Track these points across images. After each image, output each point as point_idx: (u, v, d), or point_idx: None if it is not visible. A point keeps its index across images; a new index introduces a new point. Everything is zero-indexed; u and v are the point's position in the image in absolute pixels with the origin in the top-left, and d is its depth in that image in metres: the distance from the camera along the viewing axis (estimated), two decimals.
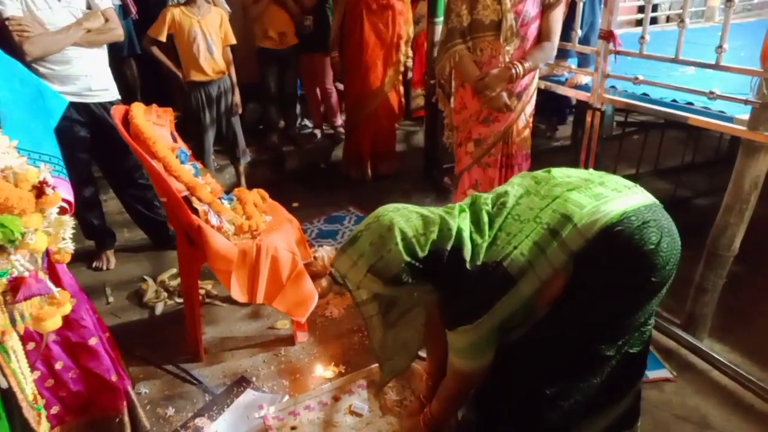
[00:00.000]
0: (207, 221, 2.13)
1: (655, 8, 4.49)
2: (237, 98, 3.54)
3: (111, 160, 2.86)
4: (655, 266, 1.27)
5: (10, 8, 2.35)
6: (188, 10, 3.22)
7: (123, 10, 3.68)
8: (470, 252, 1.33)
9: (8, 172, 1.13)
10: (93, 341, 1.63)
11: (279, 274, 2.19)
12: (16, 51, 2.30)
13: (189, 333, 2.34)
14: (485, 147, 2.67)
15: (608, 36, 2.42)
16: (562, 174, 1.44)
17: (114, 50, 3.44)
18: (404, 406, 1.98)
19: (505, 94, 2.50)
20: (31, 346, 1.37)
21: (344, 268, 1.42)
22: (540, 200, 1.36)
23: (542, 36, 2.50)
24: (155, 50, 3.29)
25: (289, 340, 2.42)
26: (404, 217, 1.38)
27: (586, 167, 2.55)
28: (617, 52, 2.44)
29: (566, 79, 3.15)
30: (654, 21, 4.56)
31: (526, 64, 2.43)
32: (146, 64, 3.88)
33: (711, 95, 2.07)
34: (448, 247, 1.34)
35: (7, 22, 2.34)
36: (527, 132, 2.70)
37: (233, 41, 3.41)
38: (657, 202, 1.36)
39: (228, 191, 2.48)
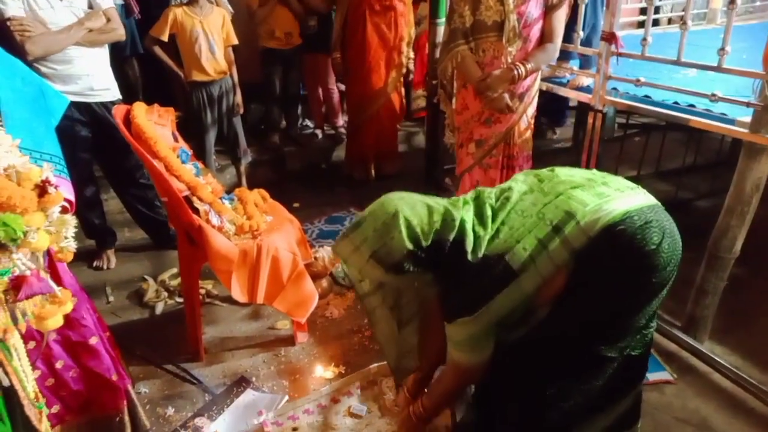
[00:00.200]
0: (208, 221, 2.12)
1: (657, 10, 4.48)
2: (238, 98, 3.54)
3: (112, 160, 2.87)
4: (656, 267, 1.27)
5: (11, 8, 2.35)
6: (190, 10, 3.22)
7: (125, 10, 3.69)
8: (472, 244, 1.33)
9: (11, 170, 1.13)
10: (93, 340, 1.64)
11: (279, 275, 2.19)
12: (17, 50, 2.31)
13: (189, 333, 2.34)
14: (486, 148, 2.67)
15: (610, 38, 2.42)
16: (565, 173, 1.44)
17: (116, 50, 3.45)
18: None
19: (506, 95, 2.50)
20: (31, 345, 1.37)
21: (346, 253, 1.40)
22: (543, 197, 1.36)
23: (545, 37, 2.50)
24: (157, 50, 3.30)
25: (289, 341, 2.42)
26: (409, 205, 1.37)
27: (587, 169, 2.55)
28: (619, 54, 2.44)
29: (568, 81, 3.15)
30: (656, 23, 4.56)
31: (529, 66, 2.43)
32: (148, 63, 3.89)
33: (713, 97, 2.07)
34: (451, 238, 1.34)
35: (8, 22, 2.34)
36: (529, 133, 2.70)
37: (235, 41, 3.42)
38: (659, 203, 1.36)
39: (229, 191, 2.48)
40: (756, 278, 2.70)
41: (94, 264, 3.01)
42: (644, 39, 2.28)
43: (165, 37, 3.23)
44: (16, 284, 1.08)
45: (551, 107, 4.40)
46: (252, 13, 3.95)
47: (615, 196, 1.32)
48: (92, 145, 2.74)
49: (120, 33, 2.72)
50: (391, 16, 3.70)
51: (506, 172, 2.70)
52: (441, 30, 3.29)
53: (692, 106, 2.35)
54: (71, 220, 1.23)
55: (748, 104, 1.95)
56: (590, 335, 1.36)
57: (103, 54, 2.73)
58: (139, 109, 2.21)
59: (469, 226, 1.35)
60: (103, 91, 2.70)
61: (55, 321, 1.18)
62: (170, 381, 2.21)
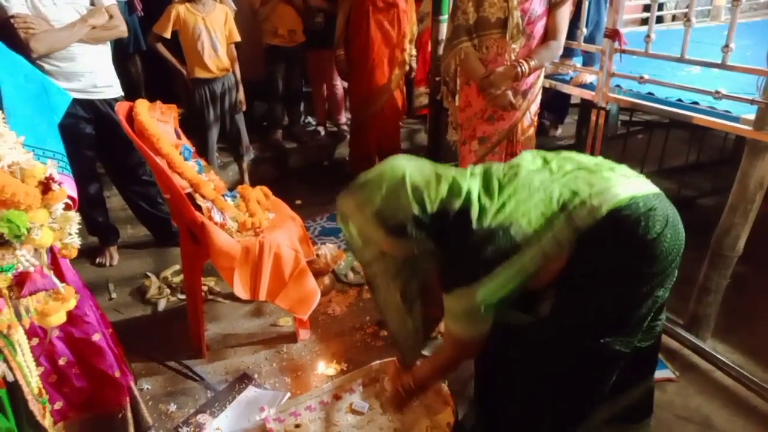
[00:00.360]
0: (210, 218, 2.13)
1: (660, 7, 4.47)
2: (241, 95, 3.54)
3: (115, 157, 2.87)
4: (657, 256, 1.26)
5: (15, 5, 2.35)
6: (193, 7, 3.22)
7: (128, 7, 3.69)
8: (477, 213, 1.31)
9: (15, 167, 1.13)
10: (96, 337, 1.64)
11: (282, 272, 2.19)
12: (21, 48, 2.31)
13: (191, 329, 2.34)
14: (489, 145, 2.66)
15: (613, 35, 2.41)
16: (573, 156, 1.43)
17: (119, 47, 3.45)
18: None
19: (510, 93, 2.49)
20: (34, 341, 1.37)
21: (349, 210, 1.37)
22: (551, 175, 1.35)
23: (548, 34, 2.49)
24: (160, 47, 3.30)
25: (291, 338, 2.42)
26: (417, 169, 1.35)
27: None
28: (622, 51, 2.43)
29: (571, 78, 3.14)
30: (660, 20, 4.54)
31: (532, 63, 2.42)
32: (151, 60, 3.89)
33: (716, 95, 2.06)
34: (456, 207, 1.32)
35: (12, 20, 2.34)
36: (532, 131, 2.69)
37: (237, 38, 3.41)
38: (662, 193, 1.35)
39: (231, 188, 2.48)
40: (759, 277, 2.69)
41: (97, 261, 3.02)
42: (648, 36, 2.28)
43: (168, 34, 3.23)
44: (20, 280, 1.08)
45: (554, 104, 4.39)
46: (254, 11, 3.94)
47: (621, 181, 1.32)
48: (95, 143, 2.74)
49: (122, 30, 2.72)
50: (394, 13, 3.70)
51: None
52: (443, 27, 3.28)
53: (696, 103, 2.35)
54: (75, 217, 1.23)
55: (752, 101, 1.94)
56: (594, 330, 1.34)
57: (106, 51, 2.73)
58: (142, 106, 2.21)
59: (475, 196, 1.33)
60: (106, 88, 2.70)
61: (58, 317, 1.19)
62: (172, 378, 2.22)
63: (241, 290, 2.12)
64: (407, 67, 3.94)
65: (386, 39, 3.74)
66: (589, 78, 3.00)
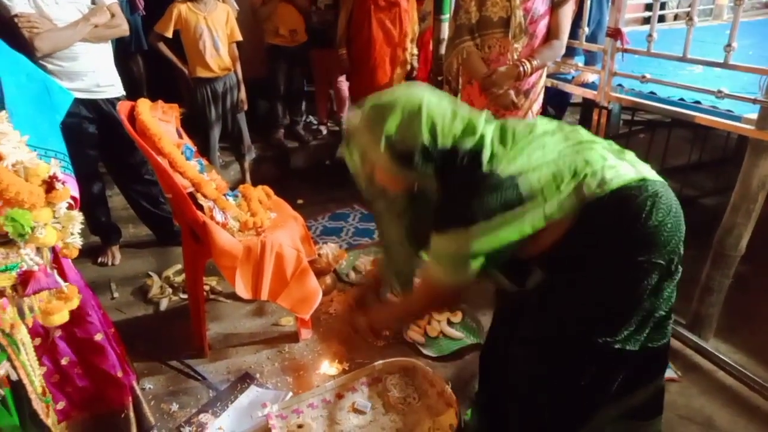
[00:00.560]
0: (212, 218, 2.13)
1: (663, 6, 4.46)
2: (243, 95, 3.55)
3: (117, 156, 2.87)
4: (655, 244, 1.25)
5: (18, 4, 2.35)
6: (195, 6, 3.22)
7: (130, 6, 3.69)
8: (488, 157, 1.27)
9: (19, 166, 1.13)
10: (99, 337, 1.64)
11: (283, 271, 2.19)
12: (24, 47, 2.31)
13: (193, 329, 2.34)
14: None
15: (616, 34, 2.41)
16: (585, 131, 1.41)
17: (121, 46, 3.45)
18: (407, 404, 1.98)
19: (512, 92, 2.49)
20: (37, 341, 1.37)
21: (358, 127, 1.32)
22: (565, 141, 1.33)
23: (551, 34, 2.48)
24: (161, 46, 3.30)
25: (293, 337, 2.42)
26: (435, 99, 1.31)
27: None
28: (625, 50, 2.43)
29: (573, 77, 3.14)
30: (662, 19, 4.54)
31: (534, 62, 2.42)
32: (152, 60, 3.89)
33: (719, 94, 2.06)
34: (468, 147, 1.28)
35: (16, 19, 2.35)
36: None
37: (239, 38, 3.41)
38: (668, 185, 1.35)
39: (233, 188, 2.48)
40: (761, 276, 2.69)
41: (99, 260, 3.02)
42: (650, 35, 2.27)
43: (169, 34, 3.24)
44: (24, 279, 1.08)
45: (557, 100, 4.37)
46: (254, 11, 3.94)
47: (634, 163, 1.31)
48: (98, 142, 2.75)
49: (124, 28, 2.73)
50: (395, 12, 3.70)
51: None
52: (445, 26, 3.28)
53: (698, 102, 2.34)
54: (78, 216, 1.23)
55: (754, 101, 1.93)
56: (593, 325, 1.32)
57: (108, 50, 2.74)
58: (144, 105, 2.22)
59: (488, 141, 1.29)
60: (108, 87, 2.70)
61: (62, 316, 1.19)
62: (174, 377, 2.22)
63: (242, 290, 2.12)
64: (409, 67, 3.94)
65: (388, 38, 3.74)
66: (591, 77, 2.99)
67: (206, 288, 2.69)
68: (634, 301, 1.30)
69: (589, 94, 2.80)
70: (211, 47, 3.27)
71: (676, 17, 4.74)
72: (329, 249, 2.72)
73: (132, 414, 1.79)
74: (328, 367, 2.25)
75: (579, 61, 3.20)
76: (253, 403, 2.07)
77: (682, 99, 2.41)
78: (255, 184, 2.59)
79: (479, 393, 1.78)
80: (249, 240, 2.14)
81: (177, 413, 2.04)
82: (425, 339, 2.37)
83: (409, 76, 4.09)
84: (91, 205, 2.82)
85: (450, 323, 2.46)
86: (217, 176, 2.39)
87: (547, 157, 1.27)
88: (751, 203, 2.06)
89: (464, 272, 1.31)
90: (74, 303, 1.22)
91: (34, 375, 1.23)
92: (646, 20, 3.84)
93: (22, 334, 1.18)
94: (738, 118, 2.11)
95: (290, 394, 2.10)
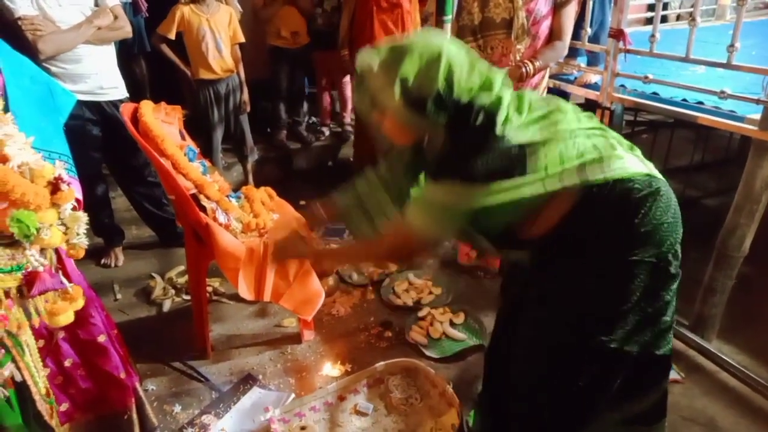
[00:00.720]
0: (215, 219, 2.13)
1: (665, 6, 4.45)
2: (245, 96, 3.55)
3: (120, 158, 2.88)
4: (650, 241, 1.24)
5: (21, 7, 2.36)
6: (197, 8, 3.23)
7: (133, 8, 3.70)
8: (503, 119, 1.24)
9: (24, 168, 1.14)
10: (102, 338, 1.64)
11: (286, 272, 2.19)
12: (28, 50, 2.32)
13: (196, 330, 2.35)
14: None
15: (618, 34, 2.41)
16: (598, 121, 1.40)
17: (123, 48, 3.46)
18: (410, 405, 1.98)
19: None
20: (40, 343, 1.38)
21: (372, 67, 1.26)
22: (578, 122, 1.31)
23: (553, 35, 2.48)
24: (164, 48, 3.31)
25: (296, 338, 2.43)
26: (455, 49, 1.27)
27: None
28: (627, 51, 2.43)
29: (575, 78, 3.13)
30: (664, 19, 4.53)
31: (537, 63, 2.42)
32: (155, 61, 3.90)
33: (722, 95, 2.06)
34: (484, 103, 1.24)
35: (19, 22, 2.35)
36: None
37: (242, 39, 3.42)
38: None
39: (236, 189, 2.49)
40: (765, 277, 2.68)
41: (102, 262, 3.03)
42: (652, 36, 2.27)
43: (172, 35, 3.24)
44: (30, 280, 1.09)
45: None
46: (255, 12, 3.95)
47: (642, 159, 1.31)
48: (101, 144, 2.75)
49: (127, 30, 2.73)
50: (398, 13, 3.70)
51: None
52: (448, 27, 3.27)
53: (701, 103, 2.34)
54: (83, 217, 1.24)
55: (757, 101, 1.93)
56: (587, 322, 1.31)
57: (111, 52, 2.74)
58: (147, 107, 2.22)
59: (505, 102, 1.26)
60: (111, 89, 2.71)
61: (67, 317, 1.19)
62: (177, 378, 2.22)
63: (245, 291, 2.12)
64: None
65: (390, 39, 3.74)
66: (594, 78, 2.99)
67: (209, 289, 2.69)
68: (625, 298, 1.28)
69: (592, 94, 2.80)
70: (213, 49, 3.28)
71: (678, 17, 4.73)
72: None
73: (135, 415, 1.79)
74: (331, 369, 2.25)
75: (581, 61, 3.20)
76: (256, 405, 2.07)
77: (684, 99, 2.41)
78: (258, 185, 2.59)
79: (482, 393, 1.78)
80: (252, 241, 2.14)
81: (180, 414, 2.04)
82: (428, 340, 2.37)
83: None
84: (94, 206, 2.82)
85: (452, 324, 2.47)
86: (220, 178, 2.39)
87: (557, 134, 1.25)
88: (755, 204, 2.05)
89: (446, 226, 1.28)
90: (79, 303, 1.23)
91: (38, 376, 1.24)
92: (649, 21, 3.83)
93: (27, 336, 1.18)
94: (741, 119, 2.11)
95: (292, 395, 2.11)
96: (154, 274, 2.89)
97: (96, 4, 2.59)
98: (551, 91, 2.92)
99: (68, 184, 1.20)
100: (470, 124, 1.23)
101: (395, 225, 1.43)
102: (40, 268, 1.10)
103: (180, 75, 3.44)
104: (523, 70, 2.41)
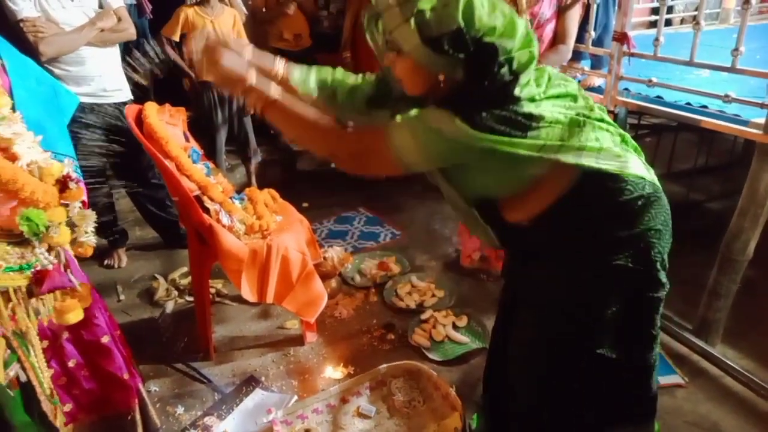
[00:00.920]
0: (218, 220, 2.13)
1: (669, 10, 4.44)
2: None
3: (124, 160, 2.88)
4: (636, 246, 1.23)
5: (25, 9, 2.37)
6: (202, 10, 3.24)
7: (138, 10, 3.71)
8: (525, 81, 1.19)
9: (33, 166, 1.15)
10: (105, 339, 1.65)
11: (289, 274, 2.20)
12: (31, 52, 2.32)
13: (199, 331, 2.35)
14: None
15: (622, 38, 2.41)
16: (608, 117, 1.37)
17: (128, 49, 3.47)
18: (412, 407, 1.98)
19: None
20: (45, 344, 1.38)
21: (389, 2, 1.18)
22: (589, 111, 1.28)
23: (557, 38, 2.48)
24: (168, 50, 3.32)
25: (299, 340, 2.43)
26: None
27: None
28: (631, 54, 2.42)
29: (579, 81, 3.13)
30: (668, 23, 4.52)
31: None
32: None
33: (726, 98, 2.05)
34: (509, 54, 1.15)
35: (21, 24, 2.36)
36: None
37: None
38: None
39: (239, 191, 2.49)
40: None
41: (105, 263, 3.03)
42: (656, 39, 2.27)
43: (177, 37, 3.26)
44: (39, 278, 1.09)
45: None
46: (255, 14, 3.94)
47: (644, 163, 1.29)
48: (104, 146, 2.76)
49: (131, 32, 2.74)
50: None
51: None
52: None
53: (705, 107, 2.33)
54: (92, 215, 1.24)
55: (762, 105, 1.92)
56: (576, 324, 1.31)
57: (115, 54, 2.75)
58: (151, 108, 2.23)
59: (533, 65, 1.21)
60: (115, 92, 2.72)
61: (76, 315, 1.20)
62: (180, 380, 2.22)
63: (248, 293, 2.12)
64: None
65: None
66: (598, 81, 2.98)
67: (212, 291, 2.70)
68: (607, 303, 1.27)
69: (596, 98, 2.79)
70: None
71: (682, 21, 4.72)
72: (335, 252, 2.72)
73: (138, 416, 1.79)
74: (333, 371, 2.25)
75: (585, 65, 3.19)
76: (258, 407, 2.07)
77: (688, 103, 2.40)
78: (261, 187, 2.60)
79: (483, 394, 1.77)
80: (255, 243, 2.15)
81: (182, 416, 2.04)
82: (430, 343, 2.36)
83: None
84: (97, 207, 2.83)
85: (455, 327, 2.46)
86: (224, 179, 2.40)
87: (565, 119, 1.21)
88: (759, 207, 2.04)
89: (424, 152, 1.20)
90: (88, 301, 1.23)
91: (42, 377, 1.24)
92: (653, 24, 3.82)
93: (32, 336, 1.19)
94: (745, 123, 2.10)
95: (295, 397, 2.11)
96: (157, 276, 2.89)
97: (100, 6, 2.60)
98: None
99: (76, 182, 1.21)
100: (491, 72, 1.16)
101: (374, 128, 1.31)
102: (50, 267, 1.10)
103: (184, 77, 3.45)
104: None
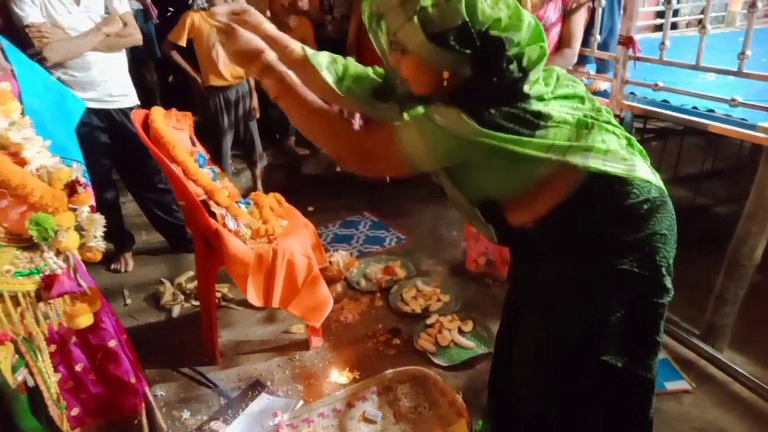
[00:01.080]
0: (224, 225, 2.14)
1: (675, 13, 4.44)
2: (255, 102, 3.57)
3: (130, 165, 2.90)
4: (640, 251, 1.22)
5: (31, 15, 2.38)
6: (208, 15, 3.26)
7: (144, 15, 3.74)
8: (534, 79, 1.18)
9: (42, 171, 1.16)
10: (112, 343, 1.65)
11: (294, 279, 2.20)
12: (36, 57, 2.34)
13: (205, 336, 2.35)
14: None
15: (627, 42, 2.40)
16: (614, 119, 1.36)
17: (134, 54, 3.49)
18: (418, 413, 1.98)
19: None
20: (52, 348, 1.39)
21: (389, 3, 1.16)
22: (596, 113, 1.27)
23: (563, 42, 2.48)
24: (175, 55, 3.34)
25: (304, 345, 2.43)
26: None
27: None
28: (637, 58, 2.42)
29: (585, 85, 3.12)
30: (674, 26, 4.51)
31: None
32: (166, 68, 3.93)
33: (732, 102, 2.04)
34: (520, 48, 1.14)
35: (26, 29, 2.38)
36: None
37: None
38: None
39: (245, 195, 2.50)
40: None
41: (112, 267, 3.04)
42: (662, 43, 2.27)
43: (183, 42, 3.27)
44: (48, 283, 1.10)
45: None
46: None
47: (650, 167, 1.28)
48: (111, 151, 2.77)
49: (137, 38, 2.75)
50: None
51: None
52: None
53: (711, 111, 2.32)
54: (100, 219, 1.25)
55: None
56: (577, 329, 1.30)
57: (121, 60, 2.76)
58: (158, 113, 2.24)
59: (541, 64, 1.19)
60: (121, 97, 2.73)
61: (87, 319, 1.20)
62: (186, 384, 2.23)
63: (254, 297, 2.13)
64: None
65: None
66: (603, 85, 2.98)
67: (218, 295, 2.70)
68: (611, 308, 1.27)
69: (601, 102, 2.78)
70: (224, 56, 3.30)
71: (688, 24, 4.72)
72: (340, 257, 2.72)
73: (145, 420, 1.79)
74: (339, 376, 2.24)
75: (590, 69, 3.18)
76: (264, 411, 2.07)
77: (695, 107, 2.39)
78: (266, 191, 2.60)
79: (489, 399, 1.77)
80: (261, 247, 2.15)
81: (188, 420, 2.04)
82: (436, 348, 2.36)
83: None
84: (104, 212, 2.84)
85: (461, 332, 2.46)
86: (230, 184, 2.41)
87: (572, 119, 1.20)
88: (766, 212, 2.03)
89: (432, 151, 1.19)
90: (97, 305, 1.23)
91: (50, 381, 1.24)
92: (658, 28, 3.82)
93: (39, 340, 1.19)
94: (752, 127, 2.09)
95: (301, 402, 2.11)
96: (163, 280, 2.90)
97: (106, 11, 2.62)
98: None
99: (85, 187, 1.21)
100: (500, 67, 1.14)
101: (382, 127, 1.30)
102: (59, 271, 1.11)
103: (190, 81, 3.47)
104: None
